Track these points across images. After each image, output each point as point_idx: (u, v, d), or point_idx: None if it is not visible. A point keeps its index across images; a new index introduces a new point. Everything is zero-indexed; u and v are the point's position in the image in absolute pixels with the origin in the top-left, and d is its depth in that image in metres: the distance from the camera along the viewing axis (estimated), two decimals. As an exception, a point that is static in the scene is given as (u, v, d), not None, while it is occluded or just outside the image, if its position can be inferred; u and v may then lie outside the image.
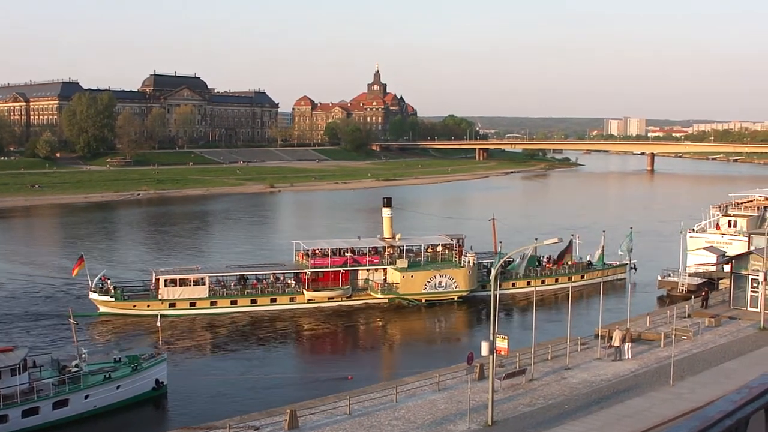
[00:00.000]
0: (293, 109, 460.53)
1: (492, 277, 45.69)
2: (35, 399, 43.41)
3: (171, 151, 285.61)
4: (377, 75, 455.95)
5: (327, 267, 77.76)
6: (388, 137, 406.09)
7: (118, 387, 47.52)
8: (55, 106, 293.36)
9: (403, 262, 78.68)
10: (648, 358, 51.73)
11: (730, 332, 58.87)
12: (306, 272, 76.86)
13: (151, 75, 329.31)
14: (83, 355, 47.82)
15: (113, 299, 71.92)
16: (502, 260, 55.37)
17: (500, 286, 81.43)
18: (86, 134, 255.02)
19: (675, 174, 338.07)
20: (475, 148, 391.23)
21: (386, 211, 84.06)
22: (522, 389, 44.97)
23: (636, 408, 40.95)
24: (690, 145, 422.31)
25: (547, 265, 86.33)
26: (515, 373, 46.63)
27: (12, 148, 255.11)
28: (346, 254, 78.99)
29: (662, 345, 54.11)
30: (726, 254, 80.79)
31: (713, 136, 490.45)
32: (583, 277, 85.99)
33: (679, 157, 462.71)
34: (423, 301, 77.51)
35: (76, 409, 45.15)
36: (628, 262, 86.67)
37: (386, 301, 77.51)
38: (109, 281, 73.81)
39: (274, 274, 77.60)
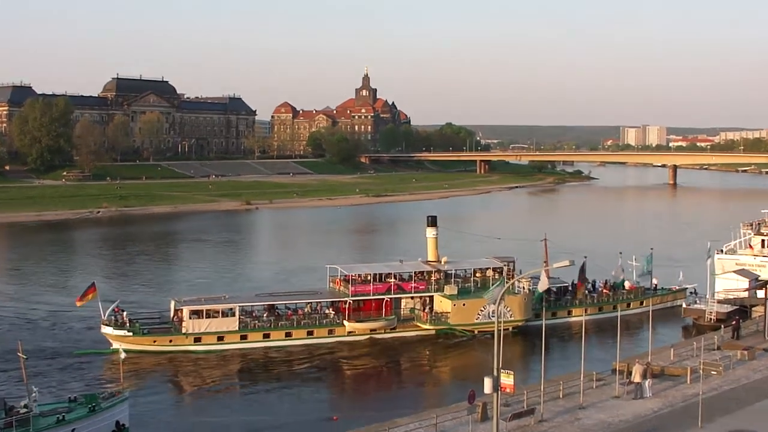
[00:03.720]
0: (272, 117, 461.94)
1: (495, 303, 45.31)
2: (-22, 444, 42.79)
3: (135, 164, 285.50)
4: (366, 79, 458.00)
5: (369, 295, 76.92)
6: (379, 148, 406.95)
7: (73, 430, 46.94)
8: (5, 112, 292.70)
9: (452, 289, 77.81)
10: (673, 395, 51.47)
11: (766, 366, 58.65)
12: (347, 301, 75.81)
13: (113, 78, 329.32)
14: (33, 395, 47.20)
15: (131, 333, 69.79)
16: (507, 286, 54.88)
17: (555, 315, 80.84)
18: (39, 144, 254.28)
19: (700, 188, 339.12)
20: (475, 161, 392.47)
21: (431, 231, 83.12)
22: (530, 431, 44.66)
23: (660, 453, 40.62)
24: (717, 155, 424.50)
25: (604, 291, 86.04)
26: (522, 413, 46.28)
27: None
28: (389, 280, 78.34)
29: (688, 381, 53.85)
30: (759, 278, 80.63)
31: (743, 146, 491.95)
32: (642, 303, 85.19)
33: (705, 169, 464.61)
34: (476, 332, 76.51)
35: (25, 455, 44.50)
36: (687, 286, 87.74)
37: (434, 332, 76.65)
38: (124, 313, 71.64)
39: (310, 303, 76.54)
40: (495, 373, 38.54)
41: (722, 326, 71.19)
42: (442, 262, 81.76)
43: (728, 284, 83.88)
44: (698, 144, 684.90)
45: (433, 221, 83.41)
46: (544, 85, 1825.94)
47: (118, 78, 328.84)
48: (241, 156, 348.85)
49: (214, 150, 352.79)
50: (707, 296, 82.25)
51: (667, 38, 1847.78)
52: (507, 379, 41.40)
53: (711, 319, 78.18)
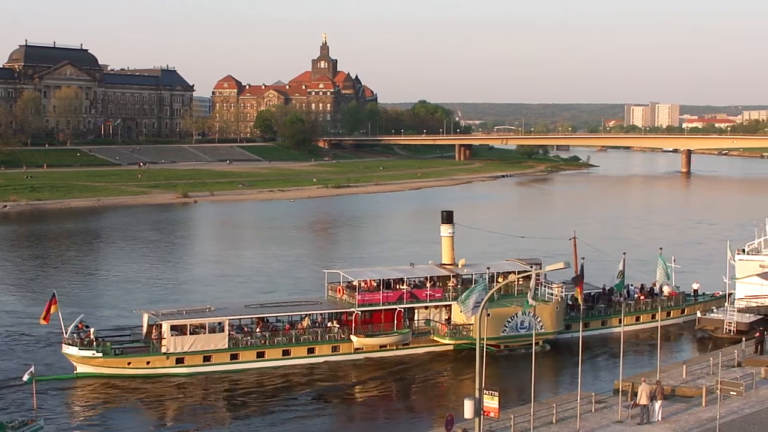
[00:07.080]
0: (213, 93, 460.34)
1: (478, 315, 45.47)
2: None
3: (49, 149, 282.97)
4: (325, 48, 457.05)
5: (379, 304, 76.44)
6: (340, 130, 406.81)
7: (-25, 465, 46.79)
8: None
9: None
10: (685, 420, 52.10)
11: (794, 386, 59.12)
12: (355, 312, 75.17)
13: (21, 46, 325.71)
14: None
15: (101, 354, 68.27)
16: (489, 294, 54.93)
17: (588, 326, 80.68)
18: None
19: (718, 177, 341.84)
20: (454, 145, 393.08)
21: (446, 230, 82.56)
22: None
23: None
24: (738, 138, 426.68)
25: (640, 297, 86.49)
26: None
27: None
28: (400, 287, 78.15)
29: (704, 403, 54.46)
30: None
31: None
32: (683, 311, 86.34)
33: (724, 154, 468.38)
34: (502, 347, 76.17)
35: None
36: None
37: (452, 348, 76.59)
38: (90, 329, 70.25)
39: (309, 315, 76.07)
40: (477, 394, 38.60)
41: (743, 339, 71.57)
42: (460, 265, 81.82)
43: (751, 290, 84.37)
44: (716, 125, 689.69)
45: (448, 217, 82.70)
46: (535, 57, 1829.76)
47: (27, 45, 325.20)
48: (177, 140, 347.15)
49: (144, 132, 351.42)
50: (726, 304, 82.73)
51: (682, 6, 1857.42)
52: (491, 402, 41.46)
53: (730, 330, 78.63)
